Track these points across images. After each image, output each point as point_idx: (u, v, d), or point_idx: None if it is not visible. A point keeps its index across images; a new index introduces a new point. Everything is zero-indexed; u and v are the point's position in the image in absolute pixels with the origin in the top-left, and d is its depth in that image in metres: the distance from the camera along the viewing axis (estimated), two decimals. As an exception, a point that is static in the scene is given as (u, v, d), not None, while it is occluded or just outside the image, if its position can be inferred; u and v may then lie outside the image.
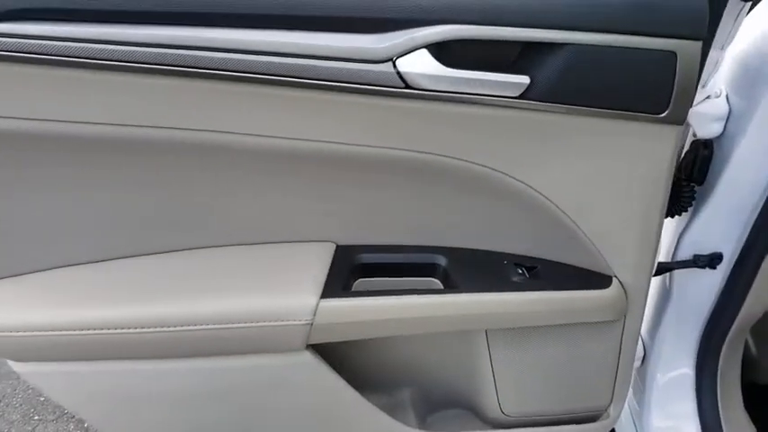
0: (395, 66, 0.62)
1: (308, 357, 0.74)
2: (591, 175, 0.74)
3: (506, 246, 0.84)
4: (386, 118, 0.67)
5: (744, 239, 0.90)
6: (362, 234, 0.83)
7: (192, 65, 0.61)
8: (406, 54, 0.62)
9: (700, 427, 0.99)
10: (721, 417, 0.98)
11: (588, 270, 0.82)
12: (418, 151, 0.71)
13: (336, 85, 0.63)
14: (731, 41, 0.76)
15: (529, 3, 0.62)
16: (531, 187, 0.75)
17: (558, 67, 0.64)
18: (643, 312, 0.86)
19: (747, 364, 1.09)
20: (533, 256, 0.84)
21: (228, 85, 0.63)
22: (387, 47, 0.61)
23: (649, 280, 0.84)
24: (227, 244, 0.79)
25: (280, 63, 0.62)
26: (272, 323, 0.71)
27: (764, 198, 0.84)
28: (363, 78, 0.63)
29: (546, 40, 0.63)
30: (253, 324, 0.71)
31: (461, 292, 0.78)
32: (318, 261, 0.78)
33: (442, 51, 0.63)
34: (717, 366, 1.02)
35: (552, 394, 0.92)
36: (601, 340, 0.87)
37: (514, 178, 0.74)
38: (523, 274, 0.83)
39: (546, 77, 0.65)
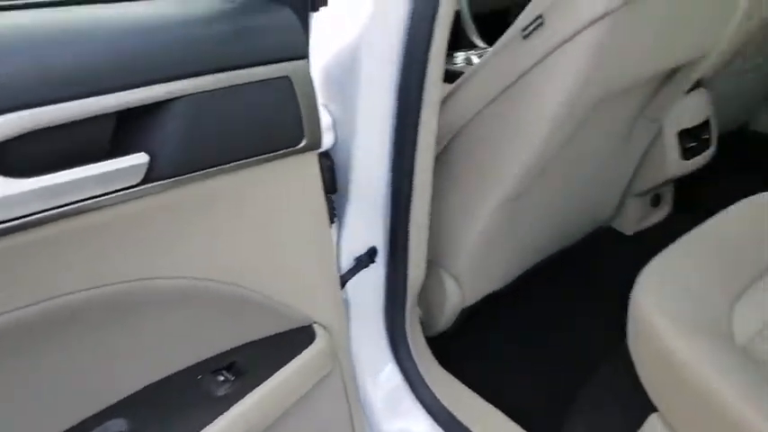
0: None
1: None
2: (251, 233, 0.64)
3: (198, 354, 0.68)
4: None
5: (388, 227, 0.95)
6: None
7: None
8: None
9: (427, 414, 1.04)
10: (436, 393, 1.05)
11: (289, 331, 0.73)
12: (27, 306, 0.47)
13: None
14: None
15: (103, 60, 0.46)
16: (191, 277, 0.60)
17: (176, 129, 0.51)
18: (349, 343, 0.84)
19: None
20: (232, 347, 0.70)
21: None
22: None
23: (342, 307, 0.81)
24: None
25: None
26: None
27: (390, 188, 0.90)
28: None
29: (147, 102, 0.48)
30: None
31: None
32: None
33: (2, 159, 0.41)
34: (409, 347, 1.09)
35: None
36: (329, 393, 0.80)
37: (167, 278, 0.58)
38: (226, 379, 0.68)
39: (168, 146, 0.50)
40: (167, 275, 0.56)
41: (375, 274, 1.01)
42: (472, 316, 1.28)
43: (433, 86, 0.81)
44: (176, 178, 0.52)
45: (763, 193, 1.07)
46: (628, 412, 0.94)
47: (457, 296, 1.20)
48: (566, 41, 0.82)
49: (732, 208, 1.03)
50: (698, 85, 1.45)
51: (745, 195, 1.06)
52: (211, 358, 0.69)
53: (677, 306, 0.84)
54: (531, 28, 0.85)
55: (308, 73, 0.61)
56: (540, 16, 0.84)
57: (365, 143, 0.86)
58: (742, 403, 0.73)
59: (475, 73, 0.99)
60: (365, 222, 0.95)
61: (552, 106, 0.91)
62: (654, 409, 0.88)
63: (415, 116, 0.83)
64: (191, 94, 0.50)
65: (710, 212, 1.02)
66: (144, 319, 0.60)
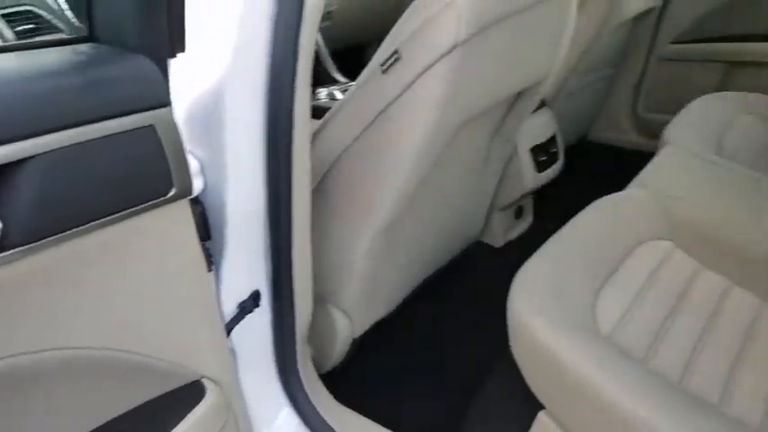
0: None
1: None
2: (128, 292, 0.61)
3: (79, 429, 0.62)
4: None
5: (270, 269, 0.95)
6: None
7: None
8: None
9: None
10: (336, 429, 1.05)
11: (178, 389, 0.70)
12: None
13: None
14: None
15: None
16: (66, 347, 0.56)
17: (31, 190, 0.47)
18: (241, 393, 0.81)
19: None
20: (116, 416, 0.65)
21: None
22: None
23: (230, 358, 0.79)
24: None
25: None
26: None
27: (268, 229, 0.90)
28: None
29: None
30: None
31: None
32: None
33: None
34: (304, 388, 1.08)
35: None
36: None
37: (38, 351, 0.53)
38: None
39: (23, 210, 0.47)
40: (38, 348, 0.52)
41: (261, 319, 0.99)
42: (362, 345, 1.29)
43: (302, 122, 0.83)
44: (35, 243, 0.48)
45: (607, 196, 1.20)
46: (519, 413, 1.00)
47: (347, 329, 1.21)
48: (422, 74, 0.88)
49: (584, 211, 1.15)
50: (542, 104, 1.61)
51: (592, 199, 1.19)
52: (102, 427, 0.64)
53: (548, 305, 0.91)
54: (389, 63, 0.91)
55: (173, 120, 0.60)
56: (396, 51, 0.89)
57: (237, 186, 0.85)
58: (611, 387, 0.81)
59: (340, 108, 1.02)
60: (245, 267, 0.93)
61: (415, 136, 0.96)
62: (541, 407, 0.95)
63: (286, 153, 0.84)
64: (45, 153, 0.47)
65: (566, 218, 1.13)
66: (18, 398, 0.55)
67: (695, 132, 1.53)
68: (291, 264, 0.95)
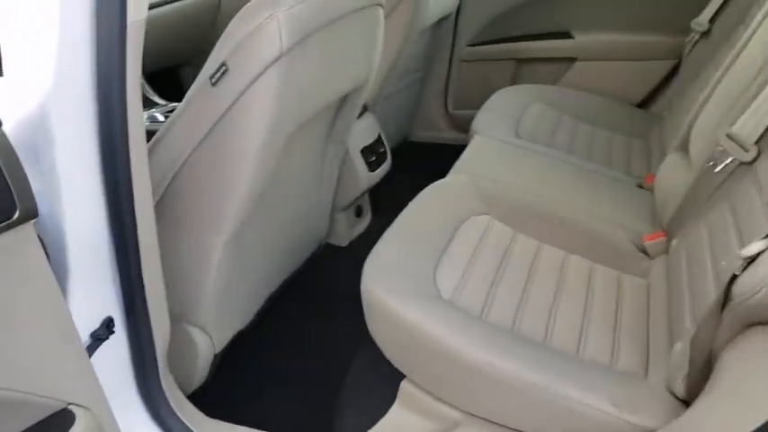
0: None
1: None
2: None
3: None
4: None
5: (120, 293, 0.94)
6: None
7: None
8: None
9: None
10: None
11: (44, 420, 0.68)
12: None
13: None
14: None
15: None
16: None
17: None
18: (113, 416, 0.81)
19: None
20: None
21: None
22: None
23: (97, 380, 0.78)
24: None
25: None
26: None
27: (114, 253, 0.89)
28: None
29: None
30: None
31: None
32: None
33: None
34: (173, 411, 1.08)
35: None
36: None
37: None
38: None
39: None
40: None
41: (117, 346, 0.98)
42: (224, 359, 1.31)
43: (138, 139, 0.84)
44: None
45: (431, 185, 1.37)
46: (384, 389, 1.10)
47: (207, 345, 1.22)
48: (252, 83, 0.95)
49: (414, 201, 1.30)
50: (365, 109, 1.75)
51: (420, 190, 1.34)
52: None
53: (395, 283, 1.03)
54: (218, 75, 0.96)
55: (7, 140, 0.60)
56: (224, 63, 0.95)
57: (75, 212, 0.84)
58: (457, 342, 0.95)
59: (173, 124, 1.04)
60: (93, 294, 0.91)
61: (252, 143, 1.02)
62: (403, 376, 1.06)
63: (125, 172, 0.85)
64: None
65: (400, 210, 1.27)
66: None
67: (497, 122, 1.78)
68: (143, 285, 0.95)
